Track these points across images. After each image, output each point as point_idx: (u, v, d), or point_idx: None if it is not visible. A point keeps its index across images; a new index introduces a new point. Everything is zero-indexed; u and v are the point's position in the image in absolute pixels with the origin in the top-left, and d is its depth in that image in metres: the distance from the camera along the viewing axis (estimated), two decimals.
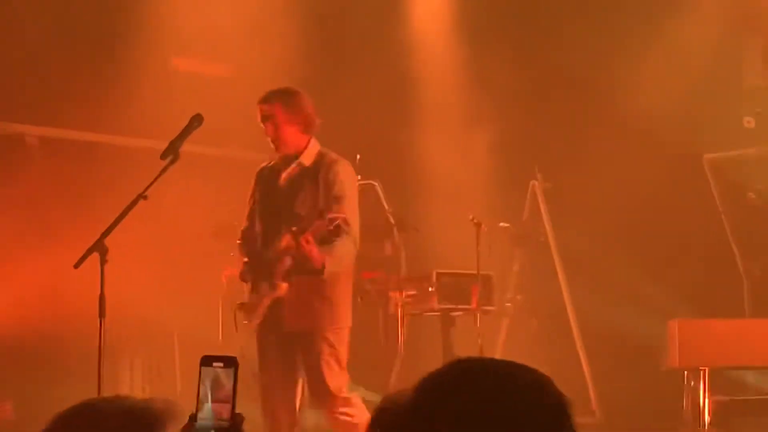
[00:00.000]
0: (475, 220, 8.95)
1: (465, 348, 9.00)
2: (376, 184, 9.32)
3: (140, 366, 11.01)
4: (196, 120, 6.18)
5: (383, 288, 8.68)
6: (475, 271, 8.94)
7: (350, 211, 6.29)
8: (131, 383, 10.94)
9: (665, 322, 9.07)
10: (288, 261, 6.11)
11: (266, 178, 6.50)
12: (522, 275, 10.76)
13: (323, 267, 6.03)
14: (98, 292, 5.67)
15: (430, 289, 9.00)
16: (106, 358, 5.80)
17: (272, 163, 6.53)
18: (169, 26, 10.54)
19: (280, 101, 6.37)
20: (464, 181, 10.77)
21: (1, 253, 8.79)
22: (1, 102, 10.33)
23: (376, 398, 9.60)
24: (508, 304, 10.25)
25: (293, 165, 6.38)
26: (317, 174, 6.31)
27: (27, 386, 9.41)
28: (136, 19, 10.52)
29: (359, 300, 9.12)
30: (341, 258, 6.18)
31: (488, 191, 10.69)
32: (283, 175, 6.40)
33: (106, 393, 5.76)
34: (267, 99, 6.40)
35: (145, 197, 5.79)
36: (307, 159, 6.38)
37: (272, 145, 6.39)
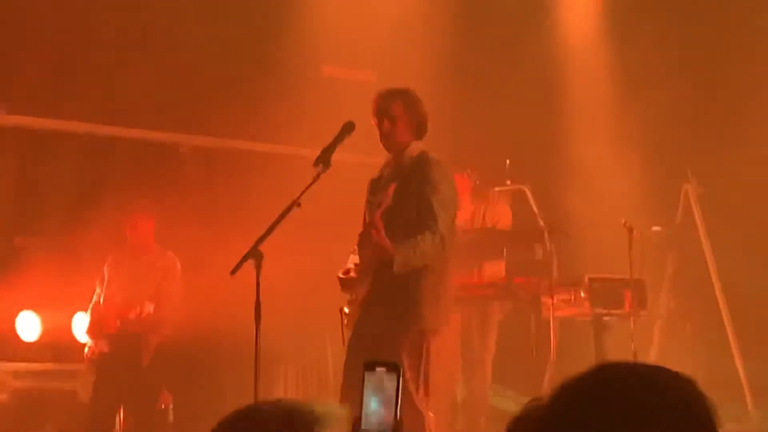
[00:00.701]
0: (627, 224, 8.83)
1: (618, 353, 8.90)
2: (526, 188, 9.27)
3: (294, 372, 11.15)
4: (348, 127, 6.23)
5: (535, 292, 8.61)
6: (627, 276, 8.84)
7: (440, 208, 6.15)
8: (285, 389, 11.09)
9: None
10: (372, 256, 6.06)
11: (373, 185, 6.51)
12: (675, 280, 10.61)
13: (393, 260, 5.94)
14: (254, 298, 5.74)
15: (582, 293, 8.93)
16: (261, 365, 5.85)
17: (378, 172, 6.54)
18: (319, 34, 10.65)
19: (401, 99, 6.36)
20: (616, 185, 10.65)
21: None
22: (156, 111, 10.56)
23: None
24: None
25: (393, 163, 6.36)
26: (414, 171, 6.25)
27: (185, 390, 9.60)
28: (285, 29, 10.66)
29: (510, 306, 9.14)
30: (417, 253, 6.00)
31: (641, 195, 10.56)
32: (385, 175, 6.39)
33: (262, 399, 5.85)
34: (387, 95, 6.39)
35: (298, 204, 5.85)
36: (407, 159, 6.33)
37: (381, 141, 6.35)
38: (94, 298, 8.90)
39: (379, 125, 6.34)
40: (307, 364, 10.94)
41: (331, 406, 2.37)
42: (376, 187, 6.45)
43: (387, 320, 6.06)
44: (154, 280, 8.82)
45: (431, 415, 6.13)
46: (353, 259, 6.38)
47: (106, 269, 8.91)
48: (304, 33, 10.64)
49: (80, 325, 9.40)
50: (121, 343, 8.63)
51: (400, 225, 6.08)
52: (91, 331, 8.80)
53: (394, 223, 6.05)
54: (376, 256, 6.03)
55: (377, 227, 5.93)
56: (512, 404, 10.23)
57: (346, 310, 6.30)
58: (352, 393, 6.08)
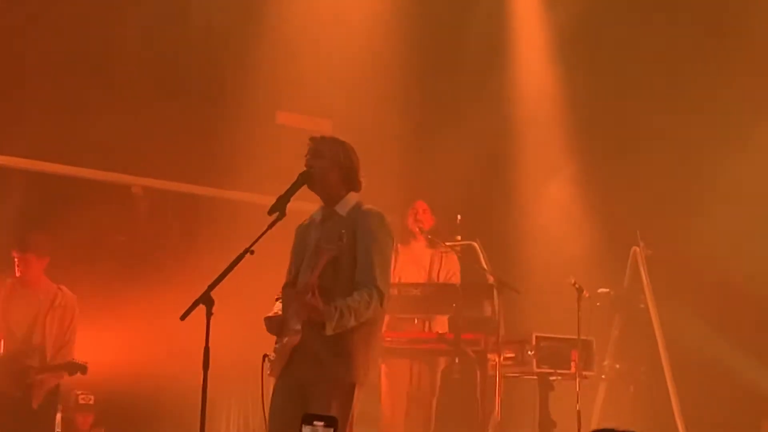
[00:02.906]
0: (576, 285, 8.88)
1: (562, 412, 8.92)
2: (475, 244, 9.29)
3: (235, 420, 11.08)
4: (304, 177, 6.21)
5: (482, 349, 8.61)
6: (575, 336, 8.87)
7: (377, 262, 6.02)
8: None
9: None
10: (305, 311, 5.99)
11: (303, 231, 6.43)
12: (621, 341, 10.66)
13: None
14: (203, 343, 5.68)
15: (529, 352, 8.94)
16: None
17: (308, 220, 6.46)
18: (275, 80, 10.66)
19: (331, 143, 6.32)
20: (565, 245, 10.73)
21: (106, 299, 8.89)
22: (108, 153, 10.50)
23: None
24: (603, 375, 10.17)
25: (327, 213, 6.30)
26: (349, 223, 6.19)
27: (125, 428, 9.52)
28: (241, 74, 10.67)
29: (456, 361, 9.12)
30: (353, 315, 5.84)
31: (589, 256, 10.64)
32: (317, 224, 6.32)
33: None
34: (319, 139, 6.34)
35: (251, 252, 5.82)
36: (342, 209, 6.27)
37: (310, 187, 6.27)
38: None
39: (310, 166, 6.29)
40: (249, 409, 10.88)
41: None
42: (307, 235, 6.36)
43: (317, 370, 5.99)
44: (45, 317, 8.64)
45: None
46: (278, 307, 6.30)
47: None
48: (260, 77, 10.64)
49: None
50: (11, 385, 8.38)
51: (336, 277, 6.03)
52: None
53: (331, 275, 6.00)
54: (308, 317, 5.96)
55: (313, 290, 5.87)
56: None
57: (272, 357, 6.18)
58: None
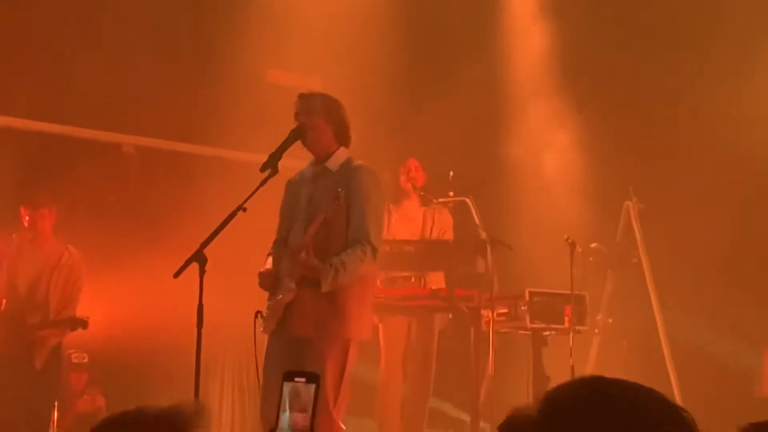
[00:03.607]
0: (569, 240, 8.89)
1: (556, 367, 8.95)
2: (468, 200, 9.28)
3: (230, 378, 11.10)
4: (295, 133, 6.21)
5: (475, 305, 8.61)
6: (568, 291, 8.89)
7: (369, 217, 6.09)
8: (221, 395, 11.04)
9: (762, 347, 8.92)
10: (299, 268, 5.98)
11: (293, 187, 6.41)
12: (614, 296, 10.69)
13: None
14: (196, 301, 5.70)
15: (522, 307, 8.97)
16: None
17: (298, 175, 6.44)
18: (266, 39, 10.61)
19: (320, 99, 6.31)
20: (558, 201, 10.73)
21: (100, 258, 8.86)
22: (100, 111, 10.48)
23: (463, 416, 9.57)
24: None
25: (318, 170, 6.28)
26: (341, 179, 6.18)
27: (120, 391, 9.53)
28: (234, 32, 10.62)
29: (449, 317, 9.14)
30: (348, 271, 5.93)
31: (583, 211, 10.64)
32: (308, 180, 6.31)
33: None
34: (308, 95, 6.34)
35: (244, 209, 5.82)
36: (333, 164, 6.26)
37: (302, 142, 6.25)
38: None
39: (301, 123, 6.27)
40: (244, 366, 10.90)
41: (199, 407, 2.37)
42: (298, 191, 6.34)
43: (312, 327, 6.00)
44: (51, 275, 8.60)
45: (343, 427, 6.08)
46: (270, 262, 6.30)
47: None
48: (251, 36, 10.59)
49: None
50: (14, 343, 8.33)
51: (329, 235, 6.03)
52: None
53: (324, 233, 6.00)
54: (303, 274, 5.97)
55: (307, 249, 5.87)
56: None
57: (265, 313, 6.18)
58: (273, 398, 6.01)
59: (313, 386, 2.41)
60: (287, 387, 2.42)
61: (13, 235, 8.65)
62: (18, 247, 8.61)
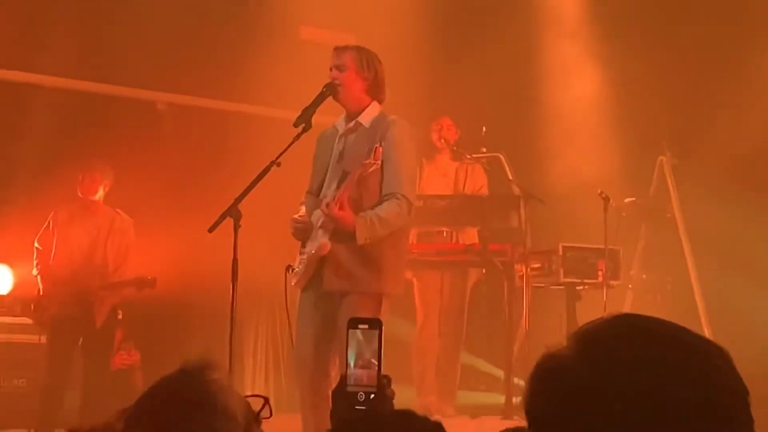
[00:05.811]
0: (603, 194, 8.86)
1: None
2: (501, 156, 9.26)
3: (264, 332, 11.17)
4: (329, 89, 6.19)
5: (509, 260, 8.60)
6: (601, 246, 8.87)
7: (403, 171, 6.06)
8: (255, 348, 11.11)
9: None
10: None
11: (326, 140, 6.37)
12: (648, 251, 10.66)
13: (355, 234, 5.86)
14: (231, 256, 5.72)
15: (556, 262, 8.95)
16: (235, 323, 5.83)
17: (330, 129, 6.40)
18: None
19: (355, 52, 6.26)
20: (593, 155, 10.68)
21: (134, 215, 8.92)
22: (133, 68, 10.51)
23: (496, 372, 9.59)
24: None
25: (351, 124, 6.26)
26: (374, 134, 6.15)
27: (155, 349, 9.60)
28: None
29: (483, 272, 9.14)
30: (382, 224, 5.90)
31: (616, 166, 10.60)
32: (340, 135, 6.28)
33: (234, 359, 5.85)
34: (343, 47, 6.29)
35: (278, 164, 5.83)
36: (365, 119, 6.22)
37: (334, 97, 6.21)
38: (38, 257, 8.74)
39: (332, 77, 6.24)
40: (277, 320, 10.96)
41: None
42: (330, 144, 6.31)
43: (345, 281, 5.99)
44: (106, 239, 8.71)
45: None
46: (303, 211, 6.29)
47: (52, 228, 8.74)
48: None
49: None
50: (74, 305, 8.48)
51: (364, 190, 6.01)
52: (46, 294, 8.62)
53: (358, 187, 5.98)
54: (336, 227, 5.95)
55: (342, 203, 5.85)
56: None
57: (296, 267, 6.18)
58: (306, 351, 5.97)
59: (376, 332, 2.42)
60: (352, 334, 2.43)
61: (62, 206, 8.78)
62: (70, 213, 8.73)
